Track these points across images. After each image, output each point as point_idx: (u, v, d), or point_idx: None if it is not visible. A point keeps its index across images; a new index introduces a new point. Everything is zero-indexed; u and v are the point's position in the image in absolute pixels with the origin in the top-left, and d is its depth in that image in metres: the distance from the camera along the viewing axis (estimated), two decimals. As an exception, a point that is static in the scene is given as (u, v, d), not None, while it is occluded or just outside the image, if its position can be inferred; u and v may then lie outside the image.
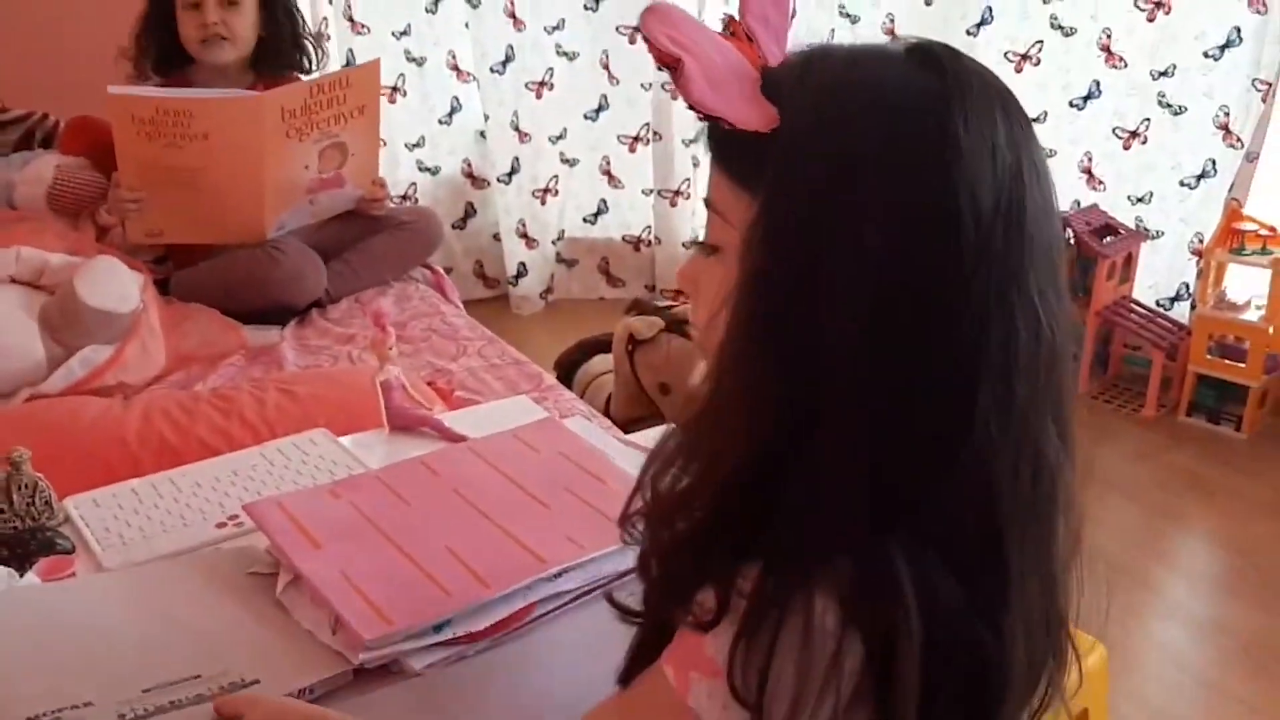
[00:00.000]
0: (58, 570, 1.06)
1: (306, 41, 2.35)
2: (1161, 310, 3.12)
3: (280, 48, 2.29)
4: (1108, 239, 3.04)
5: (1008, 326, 0.65)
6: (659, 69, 0.69)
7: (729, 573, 0.66)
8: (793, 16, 0.80)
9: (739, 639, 0.64)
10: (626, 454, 1.28)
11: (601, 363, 2.25)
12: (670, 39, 0.68)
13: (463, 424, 1.38)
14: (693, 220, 3.65)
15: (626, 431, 2.01)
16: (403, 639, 0.94)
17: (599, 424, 1.75)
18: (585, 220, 3.71)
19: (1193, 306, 3.03)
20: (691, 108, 0.68)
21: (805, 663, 0.62)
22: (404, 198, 3.55)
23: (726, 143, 0.70)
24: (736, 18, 0.76)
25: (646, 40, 0.68)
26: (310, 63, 2.37)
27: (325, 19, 3.29)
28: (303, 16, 2.43)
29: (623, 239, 3.72)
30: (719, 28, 0.76)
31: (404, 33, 3.38)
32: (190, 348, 2.00)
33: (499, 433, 1.28)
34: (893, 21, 3.26)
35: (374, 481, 1.17)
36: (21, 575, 1.05)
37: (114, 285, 1.85)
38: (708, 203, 0.74)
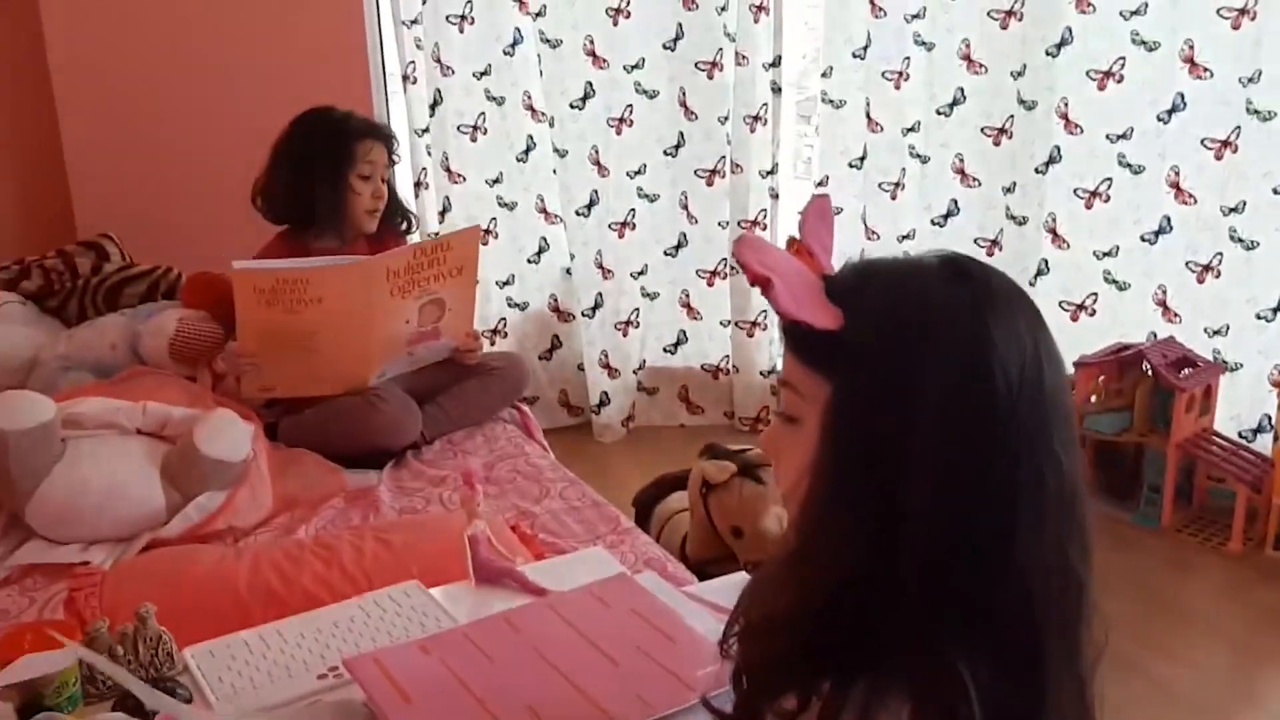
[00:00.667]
0: (178, 721, 1.18)
1: (405, 204, 2.58)
2: (1244, 442, 3.11)
3: (395, 213, 2.52)
4: (1185, 371, 3.06)
5: (1036, 471, 0.81)
6: (751, 285, 0.87)
7: (811, 682, 0.82)
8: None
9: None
10: (696, 612, 1.37)
11: (678, 500, 2.34)
12: (759, 263, 0.87)
13: (542, 576, 1.49)
14: (770, 349, 3.76)
15: (700, 571, 2.09)
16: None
17: (674, 569, 1.84)
18: (665, 350, 3.84)
19: (1276, 438, 3.01)
20: (779, 314, 0.86)
21: None
22: (494, 331, 3.73)
23: (801, 336, 0.86)
24: (798, 238, 0.96)
25: (740, 265, 0.87)
26: (410, 224, 2.59)
27: (424, 169, 3.53)
28: None
29: (701, 368, 3.83)
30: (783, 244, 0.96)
31: (496, 180, 3.60)
32: (295, 491, 2.15)
33: (576, 589, 1.38)
34: (968, 46, 3.30)
35: (461, 639, 1.27)
36: (148, 724, 1.17)
37: (230, 437, 2.02)
38: (784, 383, 0.91)
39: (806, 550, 0.86)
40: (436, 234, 3.55)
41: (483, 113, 3.52)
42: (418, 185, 3.54)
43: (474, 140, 3.55)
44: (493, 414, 2.58)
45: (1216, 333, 3.17)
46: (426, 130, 3.49)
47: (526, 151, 3.60)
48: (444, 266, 2.33)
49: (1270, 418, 3.07)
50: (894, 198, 3.49)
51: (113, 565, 1.80)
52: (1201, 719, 2.24)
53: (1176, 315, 3.22)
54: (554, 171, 3.59)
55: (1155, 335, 3.23)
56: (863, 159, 3.48)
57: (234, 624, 1.45)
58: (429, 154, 3.52)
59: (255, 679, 1.28)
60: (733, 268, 3.68)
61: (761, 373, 3.75)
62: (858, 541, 0.82)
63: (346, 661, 1.22)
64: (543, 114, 3.54)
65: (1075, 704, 0.84)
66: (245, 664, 1.31)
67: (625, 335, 3.73)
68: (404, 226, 2.61)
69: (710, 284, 3.74)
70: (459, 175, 3.56)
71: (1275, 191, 3.00)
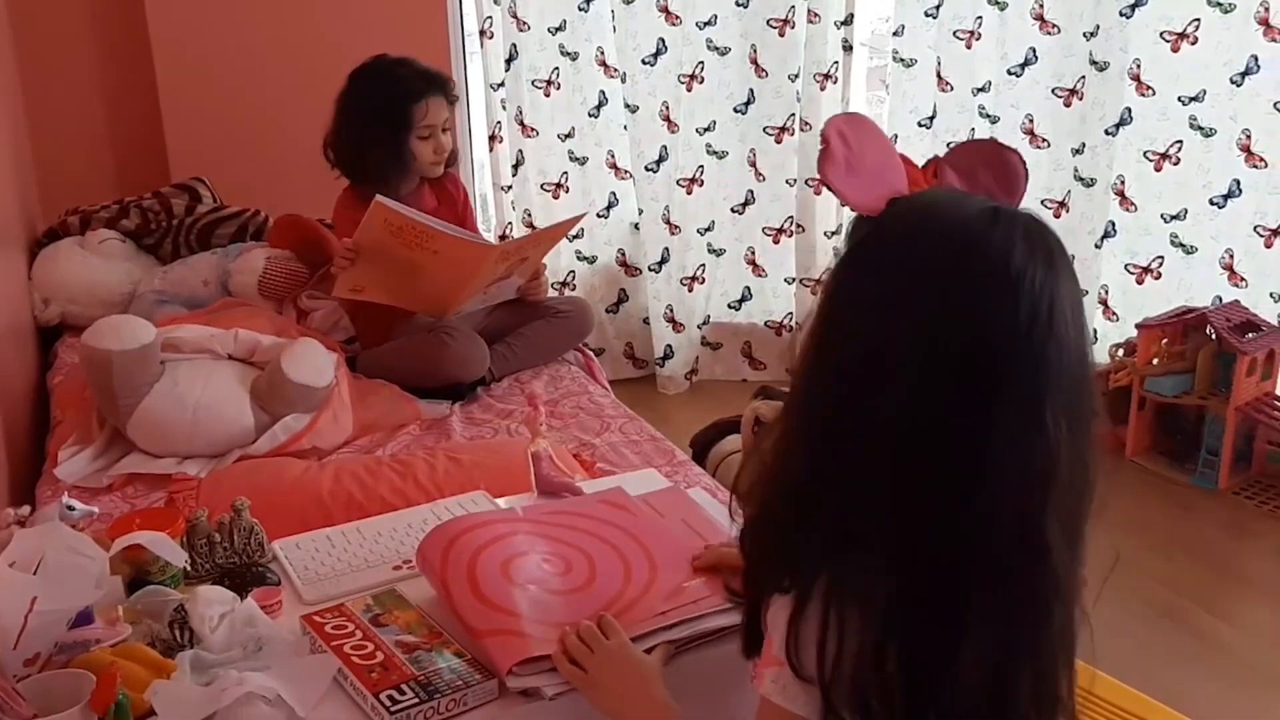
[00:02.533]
0: (268, 598, 1.31)
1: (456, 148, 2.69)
2: (1307, 406, 3.10)
3: (453, 157, 2.62)
4: (1249, 335, 3.05)
5: (1012, 434, 0.83)
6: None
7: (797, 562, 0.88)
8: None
9: (790, 630, 0.85)
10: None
11: (733, 442, 2.43)
12: (837, 129, 0.92)
13: (599, 488, 1.59)
14: (833, 308, 3.80)
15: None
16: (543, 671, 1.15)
17: (721, 497, 1.93)
18: (730, 306, 3.91)
19: (1339, 404, 3.01)
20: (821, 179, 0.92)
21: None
22: (563, 284, 3.83)
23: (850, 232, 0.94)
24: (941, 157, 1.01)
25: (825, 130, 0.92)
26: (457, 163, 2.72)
27: (499, 123, 3.63)
28: None
29: (765, 324, 3.90)
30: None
31: (568, 135, 3.70)
32: (373, 418, 2.28)
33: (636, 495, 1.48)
34: (1041, 6, 3.29)
35: (517, 520, 1.38)
36: (242, 599, 1.30)
37: (314, 363, 2.16)
38: None
39: (780, 446, 0.91)
40: (507, 187, 3.67)
41: (556, 68, 3.61)
42: (492, 139, 3.65)
43: (547, 95, 3.64)
44: (558, 355, 2.69)
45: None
46: (502, 85, 3.59)
47: (598, 107, 3.69)
48: (544, 246, 2.45)
49: (1334, 383, 3.06)
50: (961, 158, 3.51)
51: (207, 475, 1.94)
52: (1253, 679, 2.26)
53: (1243, 280, 3.21)
54: (624, 127, 3.67)
55: (1220, 299, 3.22)
56: (932, 118, 3.51)
57: (317, 525, 1.58)
58: (504, 108, 3.63)
59: (336, 568, 1.41)
60: (799, 225, 3.73)
61: (824, 329, 3.80)
62: (816, 444, 0.87)
63: (422, 548, 1.33)
64: (615, 69, 3.62)
65: (1007, 665, 0.85)
66: (328, 555, 1.44)
67: (690, 290, 3.81)
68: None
69: (776, 241, 3.80)
70: (532, 129, 3.66)
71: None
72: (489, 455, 1.83)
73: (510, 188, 3.70)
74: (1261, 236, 3.15)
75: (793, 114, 3.63)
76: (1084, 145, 3.33)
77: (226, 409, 2.08)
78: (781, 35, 3.56)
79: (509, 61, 3.57)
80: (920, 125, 3.54)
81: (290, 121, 3.24)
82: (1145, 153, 3.27)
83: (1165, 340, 3.19)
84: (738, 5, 3.55)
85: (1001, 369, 0.82)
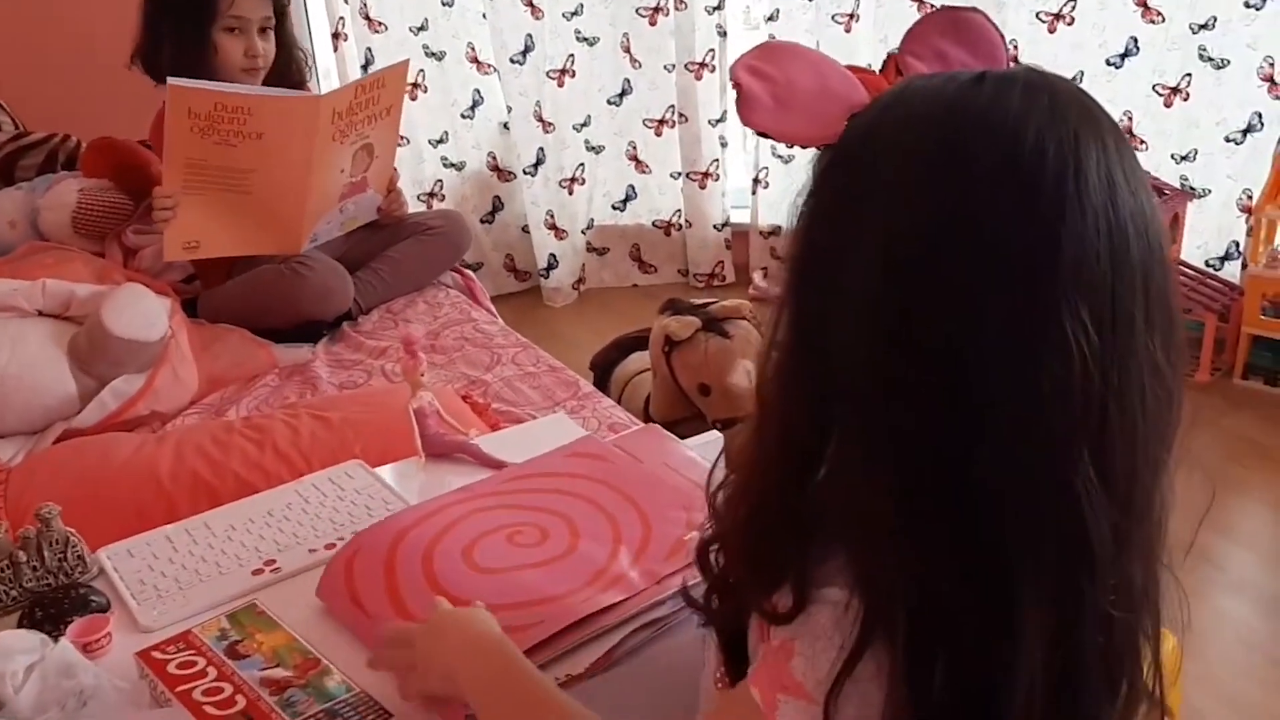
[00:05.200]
0: (93, 631, 1.03)
1: (301, 54, 2.32)
2: (1211, 271, 3.03)
3: (292, 65, 2.25)
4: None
5: (1023, 362, 0.61)
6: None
7: (799, 569, 0.68)
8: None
9: (843, 674, 0.64)
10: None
11: (638, 361, 2.21)
12: (746, 67, 0.71)
13: (500, 447, 1.34)
14: (723, 201, 3.59)
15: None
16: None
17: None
18: (614, 208, 3.66)
19: (1244, 266, 2.94)
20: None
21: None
22: (430, 195, 3.51)
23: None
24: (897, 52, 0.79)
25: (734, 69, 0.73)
26: (305, 75, 2.34)
27: (342, 18, 3.24)
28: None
29: (653, 224, 3.67)
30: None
31: (421, 28, 3.33)
32: (221, 369, 1.97)
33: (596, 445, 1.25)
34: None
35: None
36: (55, 639, 1.03)
37: (141, 313, 1.83)
38: None
39: (759, 415, 0.72)
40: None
41: (400, -50, 3.24)
42: (335, 36, 3.26)
43: (393, -18, 3.26)
44: (433, 278, 2.40)
45: (1184, 158, 3.04)
46: (341, -26, 3.20)
47: (452, -6, 3.33)
48: (376, 106, 2.11)
49: (1238, 245, 2.98)
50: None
51: (22, 460, 1.62)
52: (1176, 552, 2.19)
53: (1143, 143, 3.09)
54: (483, 16, 3.32)
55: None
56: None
57: (158, 518, 1.31)
58: (346, 1, 3.24)
59: (181, 579, 1.14)
60: (682, 115, 3.47)
61: (715, 226, 3.59)
62: (799, 406, 0.69)
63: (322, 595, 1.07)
64: (466, -51, 3.26)
65: (1063, 645, 0.66)
66: (170, 563, 1.17)
67: (571, 193, 3.54)
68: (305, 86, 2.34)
69: (658, 134, 3.54)
70: (379, 23, 3.28)
71: (1248, 5, 2.84)
72: (363, 410, 1.56)
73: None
74: (1160, 96, 3.02)
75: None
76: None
77: (40, 376, 1.75)
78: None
79: (346, -54, 3.17)
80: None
81: (101, 29, 2.81)
82: (1038, 14, 3.09)
83: (1068, 212, 3.07)
84: None
85: (996, 264, 0.61)
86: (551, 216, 3.53)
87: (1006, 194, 0.61)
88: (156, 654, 1.00)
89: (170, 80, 1.88)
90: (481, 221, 3.60)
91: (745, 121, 0.71)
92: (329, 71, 3.36)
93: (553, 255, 3.56)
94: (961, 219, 0.61)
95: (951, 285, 0.61)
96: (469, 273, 2.49)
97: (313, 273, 2.11)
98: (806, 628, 0.66)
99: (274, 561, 1.16)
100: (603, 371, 2.27)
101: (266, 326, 2.12)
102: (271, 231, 2.11)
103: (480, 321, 2.18)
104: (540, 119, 3.43)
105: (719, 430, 1.92)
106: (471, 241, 2.45)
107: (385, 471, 1.32)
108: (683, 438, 1.94)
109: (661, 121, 3.52)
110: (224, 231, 2.07)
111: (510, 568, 1.05)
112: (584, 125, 3.50)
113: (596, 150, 3.55)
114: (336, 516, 1.23)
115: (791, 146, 0.71)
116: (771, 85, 0.70)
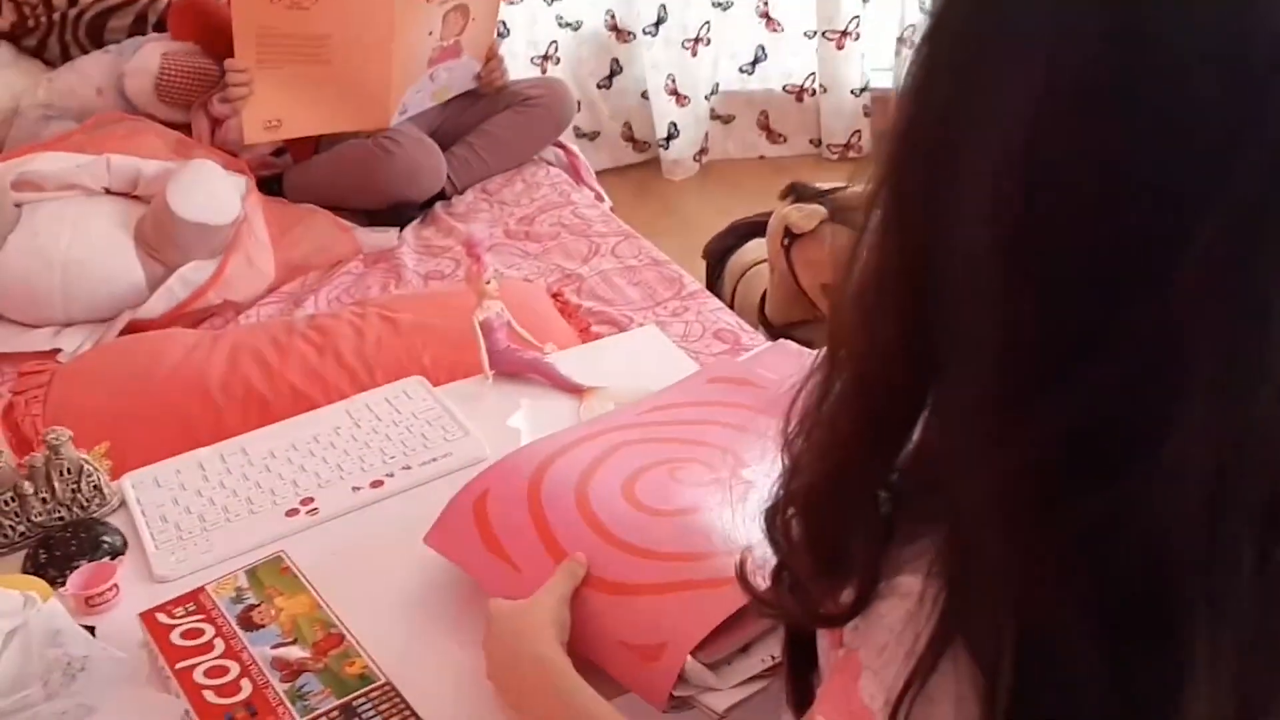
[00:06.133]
0: (98, 581, 0.90)
1: None
2: None
3: None
4: None
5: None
6: None
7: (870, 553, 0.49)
8: None
9: (909, 686, 0.46)
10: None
11: (756, 249, 1.97)
12: None
13: (580, 367, 1.15)
14: (862, 64, 3.25)
15: (786, 336, 1.75)
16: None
17: (750, 340, 1.50)
18: (741, 71, 3.35)
19: None
20: None
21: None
22: (545, 58, 3.27)
23: None
24: None
25: None
26: None
27: None
28: None
29: (784, 89, 3.35)
30: None
31: None
32: (301, 255, 1.82)
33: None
34: None
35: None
36: (61, 585, 0.90)
37: (210, 193, 1.69)
38: None
39: (838, 345, 0.51)
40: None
41: None
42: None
43: None
44: (533, 153, 2.18)
45: None
46: None
47: None
48: None
49: None
50: None
51: (76, 358, 1.51)
52: None
53: None
54: None
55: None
56: None
57: (204, 435, 1.18)
58: None
59: (208, 516, 1.00)
60: (818, -34, 3.12)
61: (853, 91, 3.26)
62: (894, 333, 0.48)
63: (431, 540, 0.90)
64: None
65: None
66: (198, 495, 1.03)
67: (694, 55, 3.24)
68: None
69: (791, -14, 3.19)
70: None
71: None
72: (437, 312, 1.38)
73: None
74: None
75: None
76: None
77: (105, 263, 1.63)
78: None
79: None
80: None
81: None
82: None
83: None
84: None
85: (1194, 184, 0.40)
86: (673, 81, 3.25)
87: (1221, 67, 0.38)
88: (162, 616, 0.86)
89: None
90: (598, 86, 3.35)
91: None
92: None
93: (673, 124, 3.29)
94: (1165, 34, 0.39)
95: (1149, 146, 0.40)
96: (573, 148, 2.27)
97: (401, 149, 1.92)
98: (872, 630, 0.49)
99: (312, 500, 1.01)
100: (716, 260, 2.05)
101: (354, 206, 1.96)
102: (356, 104, 1.92)
103: (580, 205, 1.96)
104: (663, -28, 3.12)
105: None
106: (574, 113, 2.20)
107: (448, 391, 1.15)
108: (802, 343, 1.74)
109: (797, -27, 3.17)
110: (306, 107, 1.89)
111: (682, 509, 0.84)
112: (710, -22, 3.18)
113: (723, 7, 3.23)
114: (389, 446, 1.07)
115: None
116: None
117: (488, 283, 1.14)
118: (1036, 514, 0.44)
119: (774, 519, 0.56)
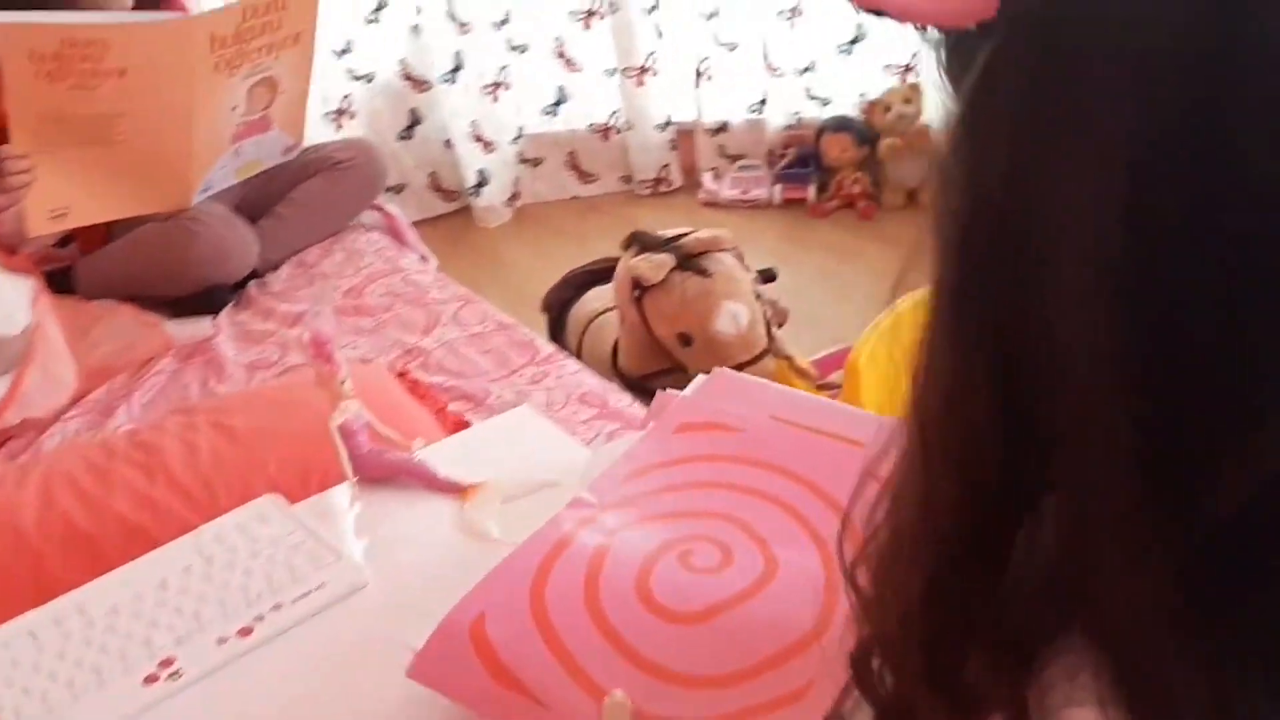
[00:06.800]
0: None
1: None
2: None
3: None
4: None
5: None
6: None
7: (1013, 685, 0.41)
8: None
9: None
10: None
11: (597, 298, 1.92)
12: None
13: (457, 460, 1.06)
14: (661, 99, 3.26)
15: (640, 386, 1.70)
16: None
17: (618, 402, 1.44)
18: (545, 113, 3.31)
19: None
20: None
21: None
22: (339, 112, 3.14)
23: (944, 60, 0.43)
24: None
25: None
26: (183, 4, 1.94)
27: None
28: None
29: (589, 128, 3.33)
30: None
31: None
32: (105, 358, 1.65)
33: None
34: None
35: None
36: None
37: (-6, 302, 1.50)
38: None
39: (916, 434, 0.44)
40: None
41: None
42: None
43: None
44: (348, 220, 2.06)
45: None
46: None
47: (341, -121, 2.90)
48: (279, 33, 1.74)
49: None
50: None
51: None
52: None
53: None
54: (381, -97, 2.91)
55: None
56: None
57: (24, 586, 1.03)
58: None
59: (51, 696, 0.86)
60: (611, 4, 3.11)
61: (657, 126, 3.27)
62: (991, 408, 0.41)
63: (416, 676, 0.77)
64: None
65: None
66: (35, 671, 0.88)
67: (495, 99, 3.18)
68: None
69: (587, 26, 3.17)
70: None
71: None
72: (275, 413, 1.26)
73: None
74: None
75: None
76: None
77: (-126, 392, 1.42)
78: None
79: None
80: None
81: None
82: None
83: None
84: None
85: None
86: (476, 127, 3.18)
87: None
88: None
89: None
90: (399, 138, 3.24)
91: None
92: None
93: (481, 171, 3.22)
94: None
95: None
96: (390, 209, 2.16)
97: (206, 229, 1.77)
98: None
99: (172, 661, 0.88)
100: (556, 314, 1.98)
101: (158, 295, 1.79)
102: (153, 186, 1.75)
103: (410, 270, 1.86)
104: (454, 18, 3.05)
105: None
106: (386, 174, 2.10)
107: (308, 509, 1.04)
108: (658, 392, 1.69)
109: (590, 13, 3.15)
110: (96, 192, 1.71)
111: (713, 606, 0.73)
112: (503, 23, 3.13)
113: (520, 50, 3.19)
114: (251, 584, 0.95)
115: (923, 27, 0.42)
116: None
117: (342, 383, 1.04)
118: (1211, 618, 0.38)
119: (863, 665, 0.48)
